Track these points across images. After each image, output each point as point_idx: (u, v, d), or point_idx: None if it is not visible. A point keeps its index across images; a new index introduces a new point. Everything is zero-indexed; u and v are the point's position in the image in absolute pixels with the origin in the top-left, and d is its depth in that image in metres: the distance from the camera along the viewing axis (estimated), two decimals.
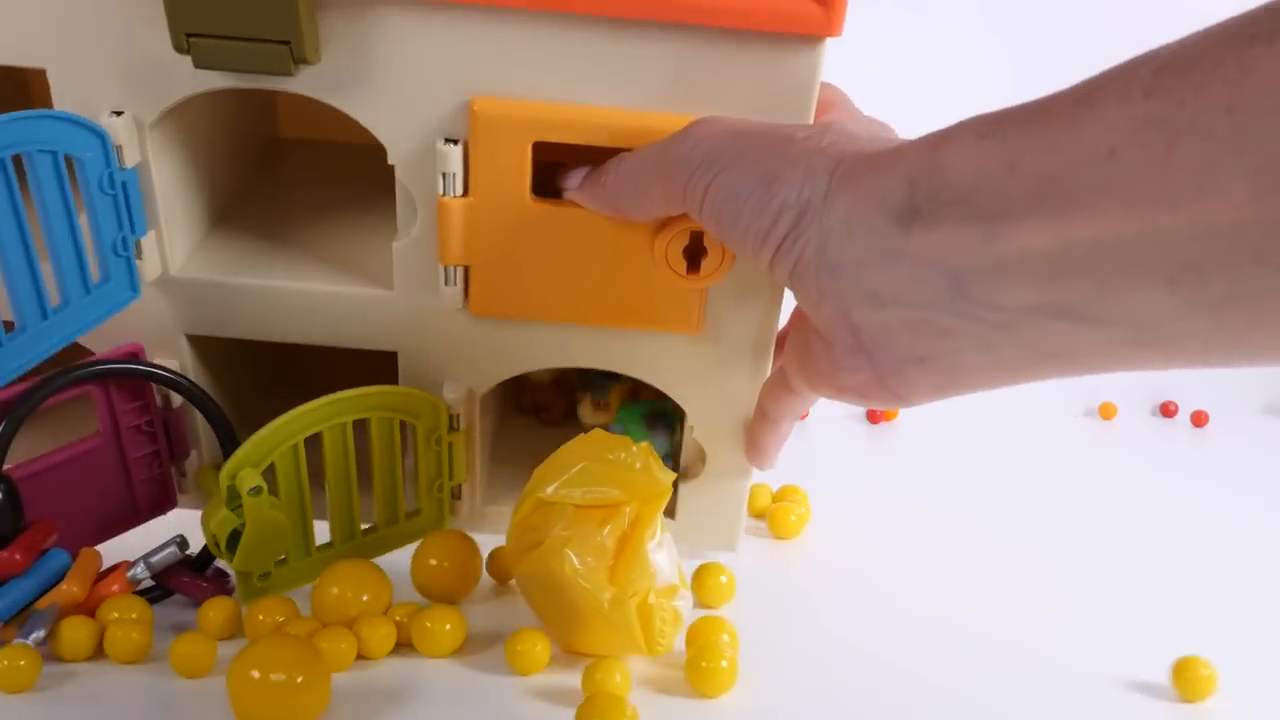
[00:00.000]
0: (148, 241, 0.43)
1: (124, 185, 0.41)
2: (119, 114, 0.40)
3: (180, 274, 0.45)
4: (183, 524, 0.47)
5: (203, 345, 0.48)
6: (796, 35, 0.37)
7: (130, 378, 0.45)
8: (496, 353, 0.46)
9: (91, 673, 0.41)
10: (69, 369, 0.43)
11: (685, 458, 0.49)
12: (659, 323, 0.43)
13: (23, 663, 0.39)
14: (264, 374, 0.57)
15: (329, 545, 0.47)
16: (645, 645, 0.41)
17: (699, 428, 0.47)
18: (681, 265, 0.41)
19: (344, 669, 0.41)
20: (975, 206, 0.29)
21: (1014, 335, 0.30)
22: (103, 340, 0.45)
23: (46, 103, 0.40)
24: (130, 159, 0.41)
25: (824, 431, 0.74)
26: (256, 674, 0.36)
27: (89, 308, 0.42)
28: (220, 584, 0.46)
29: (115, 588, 0.43)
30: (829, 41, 0.37)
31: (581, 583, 0.40)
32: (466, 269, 0.43)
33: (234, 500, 0.42)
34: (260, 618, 0.43)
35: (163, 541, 0.45)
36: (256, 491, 0.42)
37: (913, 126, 0.75)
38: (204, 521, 0.44)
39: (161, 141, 0.42)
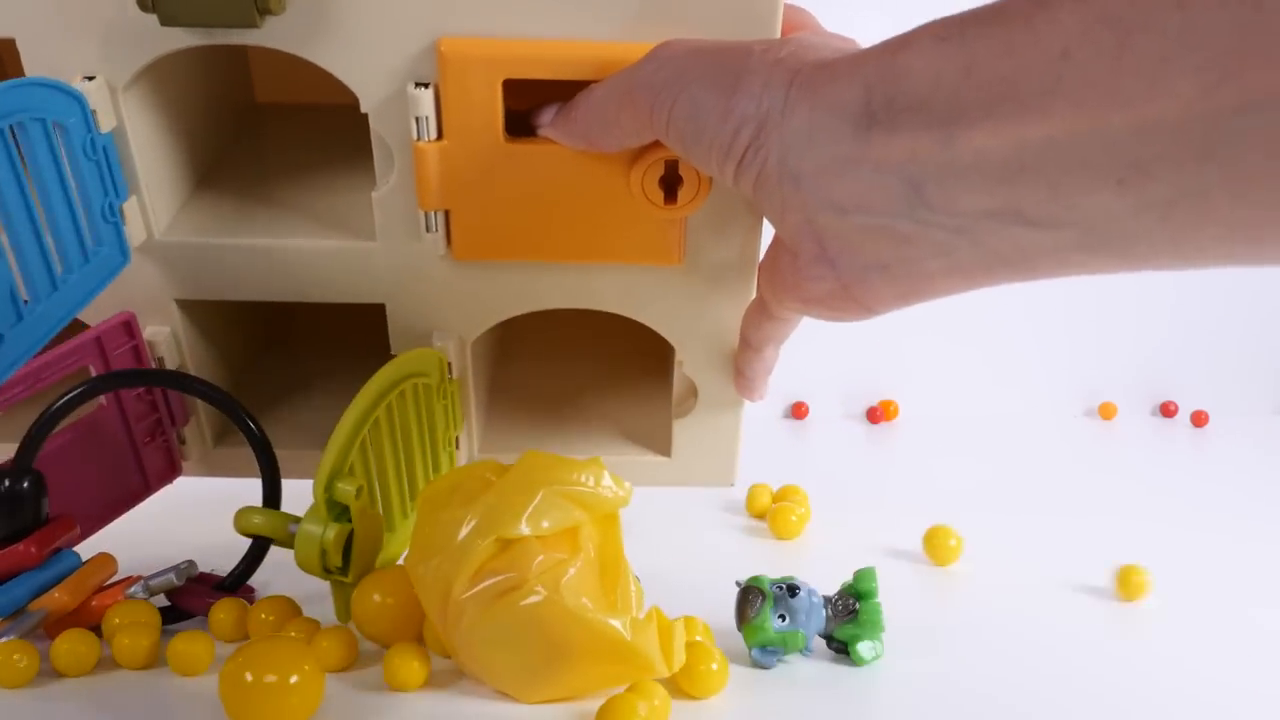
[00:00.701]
0: (130, 206, 0.43)
1: (104, 150, 0.41)
2: (91, 79, 0.40)
3: (165, 238, 0.45)
4: (185, 505, 0.46)
5: (193, 311, 0.48)
6: None
7: (143, 383, 0.46)
8: (482, 298, 0.46)
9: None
10: (105, 376, 0.44)
11: (676, 392, 0.49)
12: (640, 255, 0.44)
13: (19, 660, 0.39)
14: (256, 338, 0.56)
15: (389, 529, 0.46)
16: (667, 665, 0.38)
17: (688, 361, 0.47)
18: (658, 196, 0.41)
19: (340, 669, 0.41)
20: (932, 111, 0.29)
21: (971, 240, 0.30)
22: (94, 311, 0.45)
23: (18, 73, 0.40)
24: (106, 124, 0.41)
25: (824, 431, 0.74)
26: (249, 675, 0.36)
27: (89, 277, 0.42)
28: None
29: (101, 602, 0.42)
30: None
31: (592, 618, 0.37)
32: (447, 214, 0.43)
33: (335, 511, 0.41)
34: (264, 616, 0.43)
35: (171, 565, 0.43)
36: (360, 493, 0.41)
37: None
38: (301, 548, 0.41)
39: (136, 105, 0.42)
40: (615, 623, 0.37)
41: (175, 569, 0.43)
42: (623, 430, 0.52)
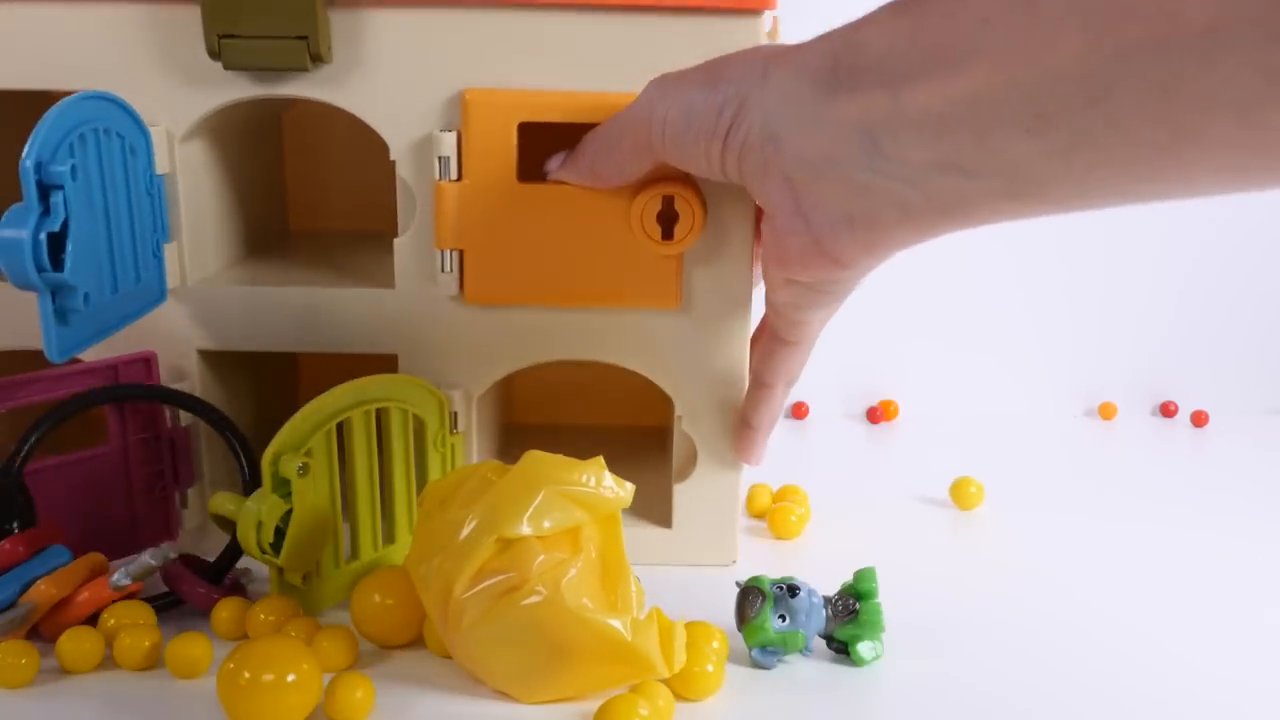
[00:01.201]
0: (170, 249, 0.47)
1: (159, 188, 0.45)
2: (153, 126, 0.45)
3: (195, 286, 0.48)
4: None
5: (213, 364, 0.50)
6: (737, 10, 0.44)
7: (152, 400, 0.46)
8: (489, 349, 0.48)
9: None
10: (108, 388, 0.45)
11: (676, 456, 0.50)
12: (640, 297, 0.46)
13: (21, 660, 0.39)
14: (265, 396, 0.57)
15: (354, 558, 0.46)
16: (668, 666, 0.38)
17: (687, 416, 0.48)
18: (656, 231, 0.44)
19: (340, 669, 0.41)
20: (884, 73, 0.34)
21: (920, 190, 0.34)
22: (119, 350, 0.47)
23: None
24: (161, 167, 0.45)
25: (824, 431, 0.74)
26: (247, 674, 0.36)
27: (134, 300, 0.44)
28: (233, 593, 0.45)
29: (90, 594, 0.42)
30: (768, 13, 0.45)
31: (593, 618, 0.37)
32: (461, 255, 0.46)
33: (279, 488, 0.42)
34: (262, 617, 0.43)
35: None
36: (304, 470, 0.41)
37: None
38: (242, 522, 0.42)
39: (189, 161, 0.47)
40: (616, 623, 0.37)
41: (152, 552, 0.43)
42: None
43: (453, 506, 0.40)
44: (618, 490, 0.40)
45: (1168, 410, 0.78)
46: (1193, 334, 0.79)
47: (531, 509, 0.38)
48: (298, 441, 0.42)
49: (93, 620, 0.42)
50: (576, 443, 0.55)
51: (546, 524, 0.38)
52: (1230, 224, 0.78)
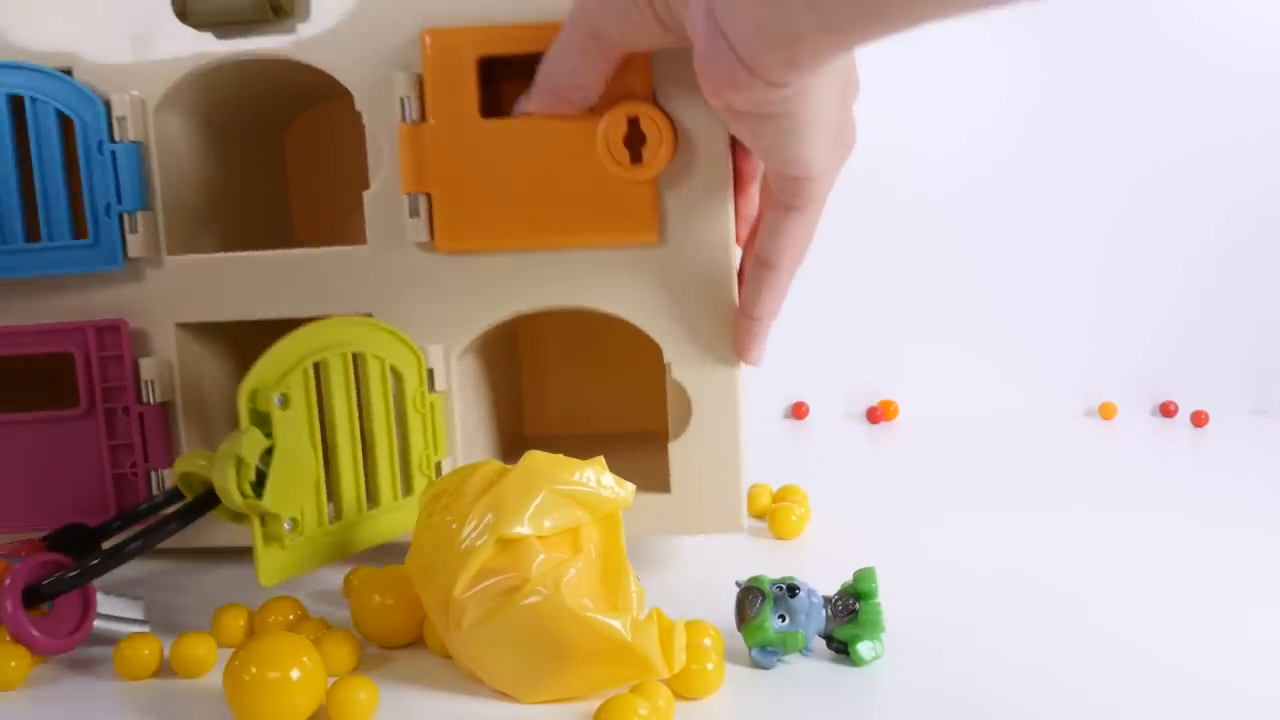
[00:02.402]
0: (145, 218, 0.48)
1: (114, 154, 0.47)
2: (132, 94, 0.47)
3: (171, 255, 0.49)
4: None
5: (190, 337, 0.50)
6: None
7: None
8: (464, 299, 0.47)
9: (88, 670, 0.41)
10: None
11: (671, 411, 0.48)
12: (617, 233, 0.45)
13: (10, 663, 0.39)
14: (242, 370, 0.57)
15: (337, 518, 0.45)
16: (668, 666, 0.38)
17: (676, 362, 0.47)
18: (624, 155, 0.44)
19: (344, 672, 0.41)
20: None
21: None
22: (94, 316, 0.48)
23: None
24: (134, 134, 0.47)
25: (824, 431, 0.75)
26: (252, 671, 0.36)
27: (77, 256, 0.47)
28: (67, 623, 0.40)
29: None
30: None
31: (593, 618, 0.37)
32: (429, 199, 0.46)
33: (260, 424, 0.40)
34: (272, 619, 0.43)
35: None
36: (284, 402, 0.40)
37: (910, 121, 0.75)
38: (219, 466, 0.40)
39: (170, 131, 0.48)
40: (616, 623, 0.37)
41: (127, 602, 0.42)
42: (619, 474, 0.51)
43: (453, 506, 0.40)
44: (618, 490, 0.40)
45: (1167, 410, 0.78)
46: (1192, 334, 0.79)
47: (532, 508, 0.38)
48: (276, 376, 0.41)
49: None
50: (586, 452, 0.54)
51: (547, 524, 0.38)
52: (1228, 224, 0.78)
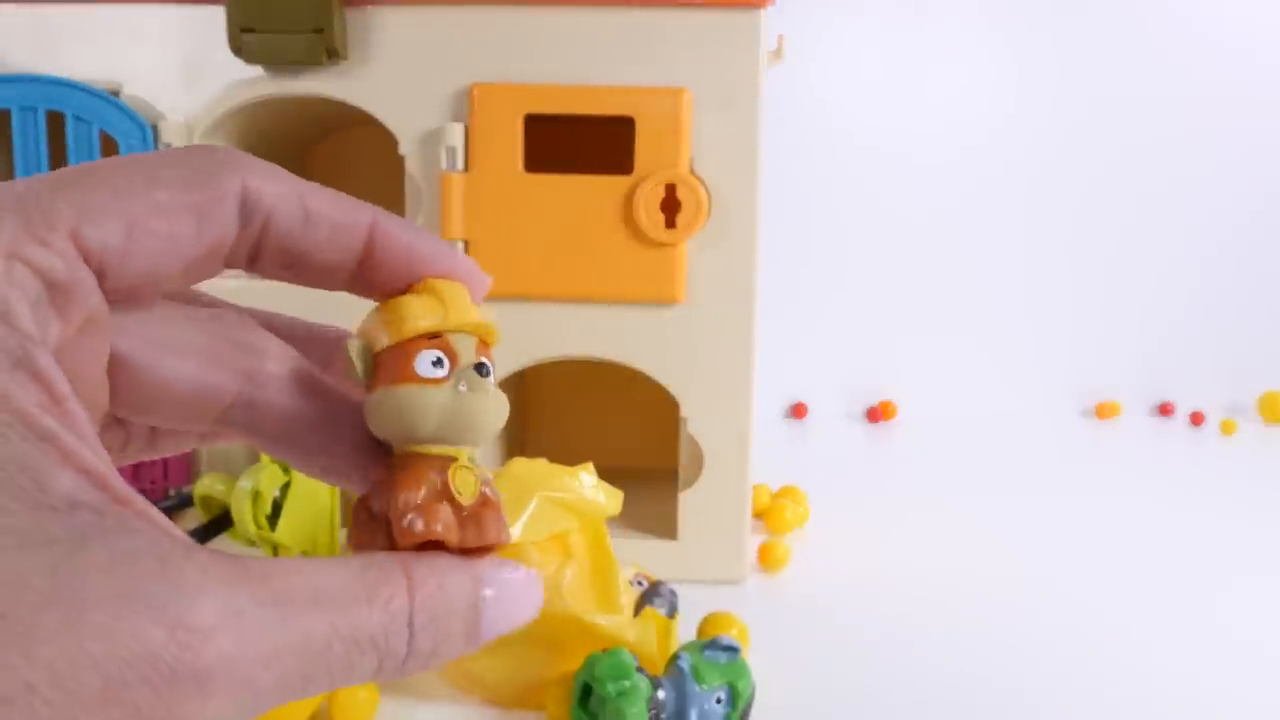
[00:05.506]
0: None
1: None
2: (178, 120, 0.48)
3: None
4: None
5: None
6: (736, 5, 0.44)
7: None
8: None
9: None
10: None
11: (683, 460, 0.49)
12: (643, 290, 0.46)
13: None
14: None
15: (348, 551, 0.46)
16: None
17: (692, 416, 0.48)
18: (659, 219, 0.45)
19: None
20: None
21: None
22: None
23: None
24: None
25: (824, 431, 0.75)
26: None
27: None
28: None
29: None
30: (767, 9, 0.45)
31: (595, 622, 0.37)
32: (466, 246, 0.47)
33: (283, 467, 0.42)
34: None
35: None
36: None
37: (911, 124, 0.75)
38: (236, 498, 0.41)
39: None
40: (615, 623, 0.37)
41: None
42: (627, 516, 0.49)
43: None
44: (606, 496, 0.40)
45: (1167, 410, 0.78)
46: (1193, 334, 0.79)
47: (525, 516, 0.38)
48: None
49: None
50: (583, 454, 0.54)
51: (539, 530, 0.39)
52: (1228, 225, 0.78)
